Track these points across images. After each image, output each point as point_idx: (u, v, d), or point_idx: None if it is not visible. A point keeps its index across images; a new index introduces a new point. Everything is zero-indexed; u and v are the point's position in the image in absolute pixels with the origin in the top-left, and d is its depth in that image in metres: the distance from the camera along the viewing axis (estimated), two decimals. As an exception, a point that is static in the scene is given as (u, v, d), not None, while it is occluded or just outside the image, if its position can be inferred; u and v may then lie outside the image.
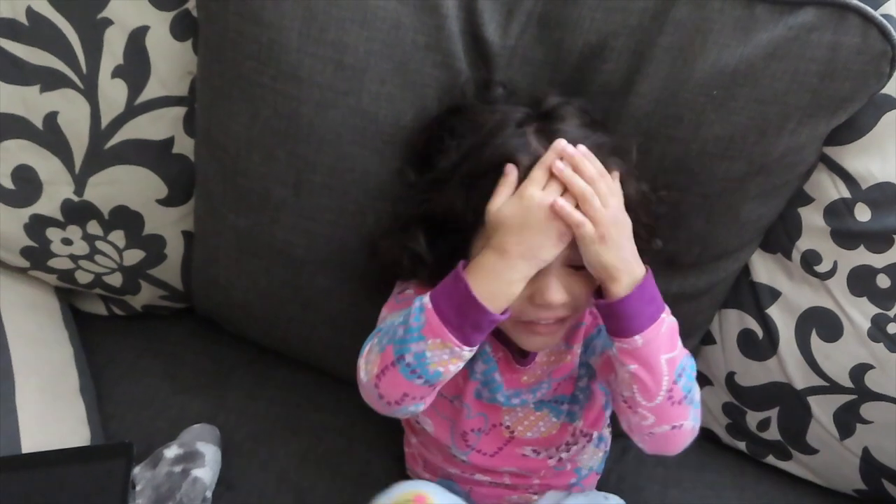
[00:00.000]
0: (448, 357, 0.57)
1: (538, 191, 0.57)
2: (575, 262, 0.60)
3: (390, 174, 0.71)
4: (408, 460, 0.81)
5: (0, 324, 0.83)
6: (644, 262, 0.60)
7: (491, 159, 0.60)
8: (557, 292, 0.60)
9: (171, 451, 0.76)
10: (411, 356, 0.57)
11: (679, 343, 0.61)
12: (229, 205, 0.75)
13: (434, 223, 0.64)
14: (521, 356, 0.69)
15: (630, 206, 0.60)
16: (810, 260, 0.75)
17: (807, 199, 0.73)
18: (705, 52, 0.65)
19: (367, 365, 0.61)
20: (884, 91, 0.67)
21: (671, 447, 0.63)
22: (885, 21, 0.63)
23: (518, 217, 0.57)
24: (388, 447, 0.83)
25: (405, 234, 0.66)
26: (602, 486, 0.80)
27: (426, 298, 0.58)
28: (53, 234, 0.82)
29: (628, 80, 0.68)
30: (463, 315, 0.57)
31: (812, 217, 0.73)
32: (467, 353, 0.58)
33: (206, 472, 0.75)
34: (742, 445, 0.87)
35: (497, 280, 0.57)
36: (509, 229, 0.57)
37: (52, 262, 0.85)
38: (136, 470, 0.75)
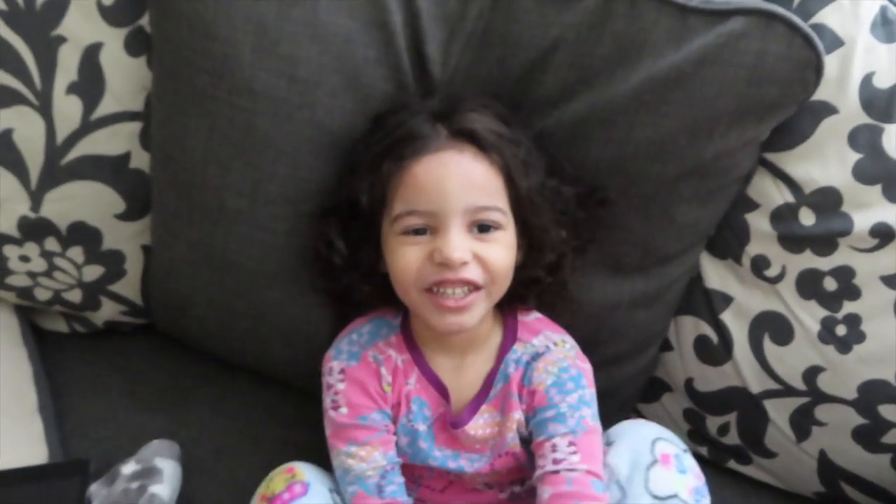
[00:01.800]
0: None
1: None
2: (481, 218, 0.63)
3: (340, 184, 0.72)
4: None
5: (-43, 343, 0.82)
6: (567, 260, 0.68)
7: (395, 137, 0.64)
8: (458, 244, 0.62)
9: (129, 468, 0.75)
10: None
11: None
12: (184, 218, 0.76)
13: (349, 210, 0.67)
14: (456, 418, 0.69)
15: (526, 199, 0.64)
16: (760, 265, 0.76)
17: (752, 205, 0.75)
18: (640, 61, 0.67)
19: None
20: (821, 98, 0.68)
21: None
22: (809, 30, 0.65)
23: None
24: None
25: (321, 221, 0.70)
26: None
27: None
28: (10, 251, 0.82)
29: (568, 91, 0.70)
30: None
31: (759, 222, 0.75)
32: None
33: (165, 489, 0.74)
34: (703, 451, 0.87)
35: None
36: None
37: (10, 280, 0.84)
38: (93, 487, 0.74)
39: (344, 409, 0.68)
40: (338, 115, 0.70)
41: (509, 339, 0.70)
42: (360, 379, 0.68)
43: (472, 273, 0.63)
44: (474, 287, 0.63)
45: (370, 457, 0.67)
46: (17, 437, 0.79)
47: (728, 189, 0.73)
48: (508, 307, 0.71)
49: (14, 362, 0.85)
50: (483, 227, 0.64)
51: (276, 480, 0.68)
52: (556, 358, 0.68)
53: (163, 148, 0.75)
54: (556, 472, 0.63)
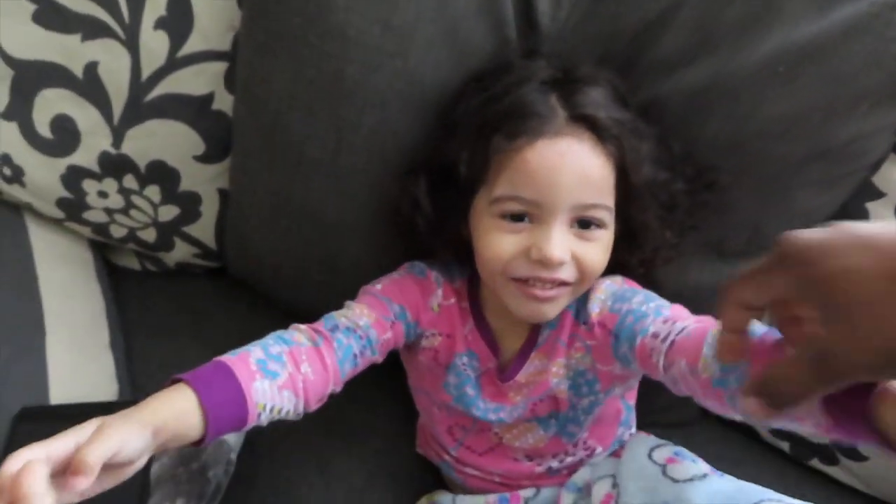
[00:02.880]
0: None
1: None
2: (586, 216, 0.58)
3: (431, 141, 0.68)
4: (419, 439, 0.80)
5: (33, 274, 0.83)
6: (662, 253, 0.61)
7: (506, 108, 0.59)
8: (558, 245, 0.57)
9: (198, 413, 0.75)
10: None
11: None
12: (265, 163, 0.73)
13: (440, 172, 0.63)
14: (502, 371, 0.67)
15: (635, 194, 0.59)
16: (876, 258, 0.70)
17: (877, 194, 0.69)
18: (775, 25, 0.61)
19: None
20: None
21: None
22: None
23: None
24: (409, 424, 0.82)
25: (409, 178, 0.65)
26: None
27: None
28: (89, 185, 0.81)
29: (687, 55, 0.64)
30: None
31: (881, 213, 0.69)
32: None
33: (232, 435, 0.74)
34: (785, 446, 0.83)
35: None
36: None
37: (87, 215, 0.84)
38: (162, 429, 0.74)
39: (379, 286, 0.67)
40: (431, 68, 0.66)
41: None
42: (410, 284, 0.67)
43: (566, 273, 0.59)
44: (563, 283, 0.60)
45: (357, 312, 0.64)
46: (89, 371, 0.79)
47: (855, 175, 0.67)
48: None
49: (88, 297, 0.86)
50: (584, 223, 0.59)
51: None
52: (603, 286, 0.64)
53: (248, 90, 0.72)
54: (674, 345, 0.54)
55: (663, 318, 0.58)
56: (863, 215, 0.70)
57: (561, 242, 0.57)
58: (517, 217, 0.59)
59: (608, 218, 0.60)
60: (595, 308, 0.63)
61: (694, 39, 0.64)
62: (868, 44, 0.59)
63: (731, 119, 0.64)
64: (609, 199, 0.59)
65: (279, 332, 0.61)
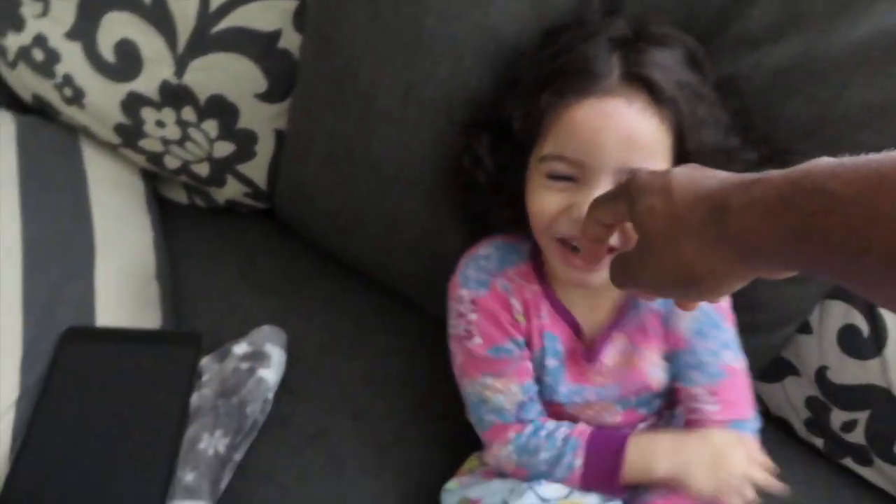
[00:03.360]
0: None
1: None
2: None
3: (496, 96, 0.67)
4: None
5: (86, 199, 0.83)
6: None
7: (564, 64, 0.58)
8: None
9: (240, 348, 0.76)
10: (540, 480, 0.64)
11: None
12: (330, 107, 0.72)
13: (501, 129, 0.62)
14: (589, 351, 0.66)
15: (692, 160, 0.56)
16: (944, 260, 0.68)
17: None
18: (871, 9, 0.58)
19: (496, 457, 0.66)
20: None
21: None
22: None
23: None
24: (450, 379, 0.81)
25: (471, 134, 0.65)
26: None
27: (578, 462, 0.62)
28: (148, 114, 0.81)
29: (774, 31, 0.62)
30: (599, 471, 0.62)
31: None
32: None
33: (271, 374, 0.75)
34: (819, 443, 0.82)
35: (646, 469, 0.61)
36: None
37: (143, 143, 0.84)
38: (204, 360, 0.75)
39: (478, 339, 0.66)
40: (510, 21, 0.64)
41: None
42: (491, 309, 0.66)
43: (606, 239, 0.57)
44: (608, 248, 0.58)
45: (507, 389, 0.65)
46: (135, 299, 0.80)
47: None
48: None
49: (138, 226, 0.86)
50: None
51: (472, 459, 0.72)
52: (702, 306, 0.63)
53: (319, 31, 0.71)
54: (697, 419, 0.63)
55: (712, 388, 0.63)
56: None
57: None
58: (563, 177, 0.58)
59: None
60: (678, 321, 0.64)
61: (783, 16, 0.61)
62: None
63: (814, 102, 0.61)
64: (660, 162, 0.57)
65: (546, 432, 0.65)
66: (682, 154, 0.58)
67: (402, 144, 0.70)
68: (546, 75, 0.59)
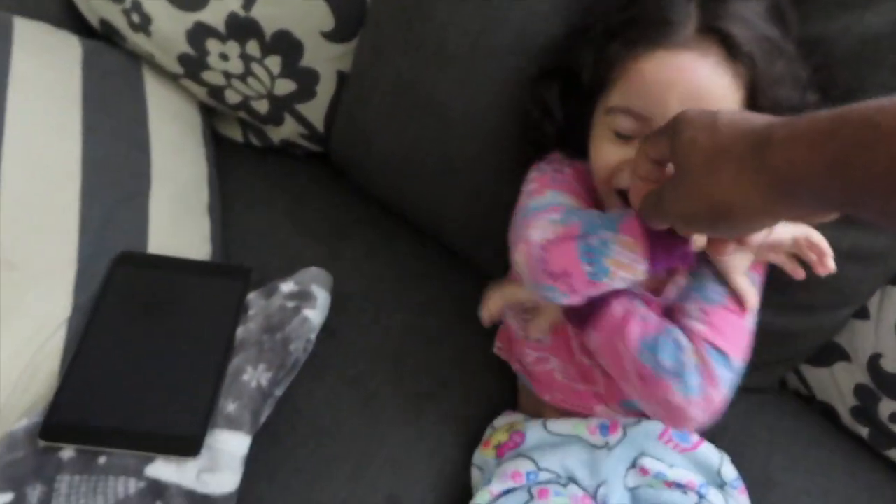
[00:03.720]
0: (626, 262, 0.53)
1: None
2: None
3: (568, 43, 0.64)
4: (498, 339, 0.78)
5: (146, 126, 0.84)
6: None
7: (637, 12, 0.56)
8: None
9: (287, 287, 0.76)
10: (597, 239, 0.53)
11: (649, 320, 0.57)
12: (399, 47, 0.71)
13: (570, 78, 0.60)
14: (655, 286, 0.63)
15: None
16: None
17: None
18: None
19: (541, 228, 0.56)
20: None
21: (674, 420, 0.57)
22: None
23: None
24: (491, 333, 0.81)
25: (541, 84, 0.63)
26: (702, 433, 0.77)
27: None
28: (213, 45, 0.81)
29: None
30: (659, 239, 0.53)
31: None
32: (641, 271, 0.53)
33: (316, 315, 0.75)
34: (864, 432, 0.80)
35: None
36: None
37: (206, 76, 0.84)
38: (252, 295, 0.75)
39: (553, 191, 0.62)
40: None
41: None
42: (569, 181, 0.63)
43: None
44: None
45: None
46: (187, 229, 0.81)
47: None
48: None
49: (193, 159, 0.87)
50: None
51: (500, 431, 0.72)
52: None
53: (393, -31, 0.70)
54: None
55: (705, 307, 0.58)
56: None
57: None
58: (628, 137, 0.57)
59: None
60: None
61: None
62: None
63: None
64: None
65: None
66: (755, 109, 0.56)
67: (469, 89, 0.69)
68: (620, 23, 0.57)
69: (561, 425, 0.70)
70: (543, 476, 0.68)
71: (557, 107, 0.63)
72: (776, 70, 0.55)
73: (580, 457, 0.69)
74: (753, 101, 0.56)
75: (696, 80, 0.54)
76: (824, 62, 0.60)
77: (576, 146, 0.63)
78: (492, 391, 0.79)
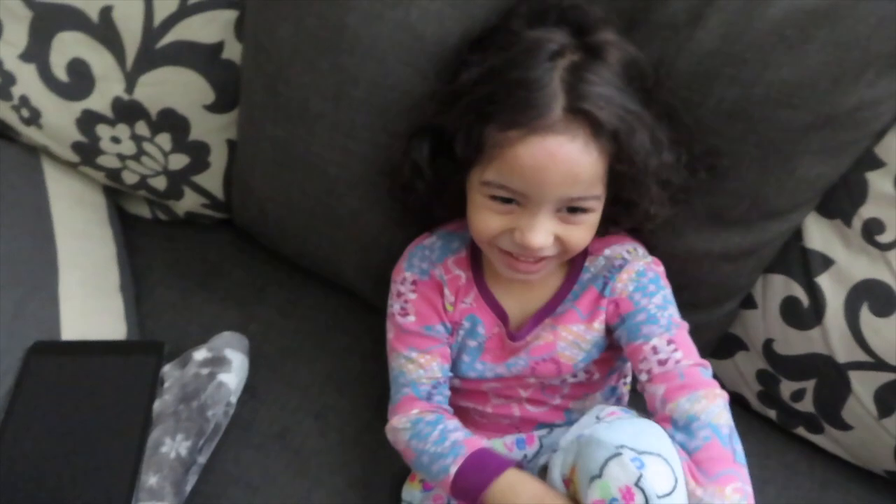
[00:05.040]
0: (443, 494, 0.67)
1: None
2: (573, 203, 0.59)
3: (433, 105, 0.67)
4: None
5: (49, 216, 0.85)
6: (653, 222, 0.66)
7: (505, 90, 0.57)
8: (541, 234, 0.59)
9: (200, 354, 0.77)
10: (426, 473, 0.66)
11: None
12: (269, 113, 0.74)
13: (441, 139, 0.63)
14: (515, 333, 0.69)
15: (629, 181, 0.60)
16: (872, 229, 0.70)
17: (877, 163, 0.68)
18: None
19: (394, 429, 0.70)
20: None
21: None
22: None
23: None
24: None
25: (411, 143, 0.66)
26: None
27: (454, 469, 0.62)
28: (103, 130, 0.83)
29: (697, 15, 0.64)
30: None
31: (881, 183, 0.68)
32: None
33: (232, 378, 0.77)
34: (772, 414, 0.84)
35: None
36: None
37: (101, 160, 0.86)
38: (166, 368, 0.77)
39: (412, 317, 0.70)
40: (433, 21, 0.66)
41: (580, 257, 0.68)
42: (427, 293, 0.70)
43: (548, 252, 0.62)
44: (546, 257, 0.63)
45: (428, 365, 0.69)
46: (99, 311, 0.82)
47: (859, 144, 0.66)
48: None
49: (100, 240, 0.88)
50: (572, 209, 0.60)
51: None
52: (634, 270, 0.67)
53: (254, 38, 0.73)
54: (665, 370, 0.62)
55: (669, 337, 0.63)
56: (862, 185, 0.70)
57: (544, 230, 0.59)
58: (506, 200, 0.60)
59: (596, 204, 0.61)
60: (619, 287, 0.66)
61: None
62: (879, 6, 0.58)
63: (736, 83, 0.63)
64: (599, 189, 0.60)
65: (443, 427, 0.67)
66: (618, 177, 0.60)
67: (339, 146, 0.72)
68: (487, 102, 0.58)
69: None
70: None
71: (428, 167, 0.65)
72: (636, 140, 0.58)
73: None
74: (617, 166, 0.59)
75: (569, 163, 0.57)
76: (671, 107, 0.64)
77: (449, 198, 0.66)
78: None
